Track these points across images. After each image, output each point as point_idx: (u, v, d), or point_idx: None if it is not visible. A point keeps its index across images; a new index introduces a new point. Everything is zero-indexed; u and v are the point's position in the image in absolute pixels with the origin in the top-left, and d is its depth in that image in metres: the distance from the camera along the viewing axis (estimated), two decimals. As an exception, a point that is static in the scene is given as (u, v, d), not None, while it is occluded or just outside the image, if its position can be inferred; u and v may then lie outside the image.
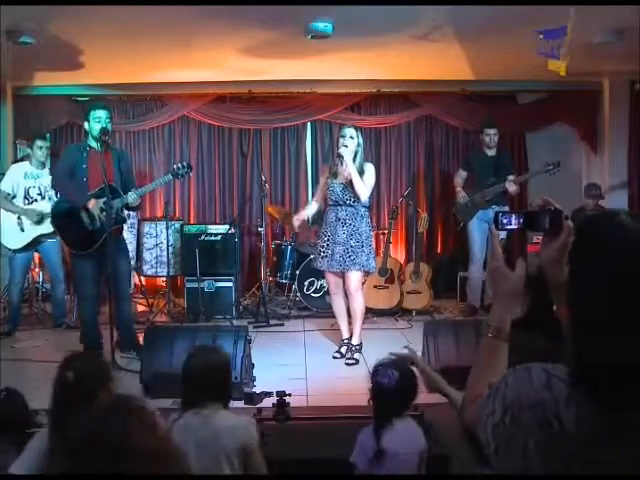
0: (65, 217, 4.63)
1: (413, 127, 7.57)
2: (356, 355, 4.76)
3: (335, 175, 4.83)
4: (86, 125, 4.62)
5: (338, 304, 4.92)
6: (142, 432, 1.07)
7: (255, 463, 2.25)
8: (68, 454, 1.06)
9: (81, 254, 4.59)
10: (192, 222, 7.28)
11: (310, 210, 5.14)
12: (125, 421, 1.08)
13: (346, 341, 4.88)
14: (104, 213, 4.43)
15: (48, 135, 5.99)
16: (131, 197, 4.56)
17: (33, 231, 5.65)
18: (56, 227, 4.75)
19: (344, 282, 4.84)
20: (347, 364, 4.69)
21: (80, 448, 1.04)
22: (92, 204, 4.46)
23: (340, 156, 4.68)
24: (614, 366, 0.98)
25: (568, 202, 1.51)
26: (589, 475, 0.99)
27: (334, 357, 4.81)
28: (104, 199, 4.41)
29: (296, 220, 5.03)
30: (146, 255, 6.78)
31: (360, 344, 4.83)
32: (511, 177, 6.08)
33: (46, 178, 5.65)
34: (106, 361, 2.21)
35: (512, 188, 5.98)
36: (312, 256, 5.51)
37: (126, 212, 4.98)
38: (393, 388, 2.36)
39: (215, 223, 6.92)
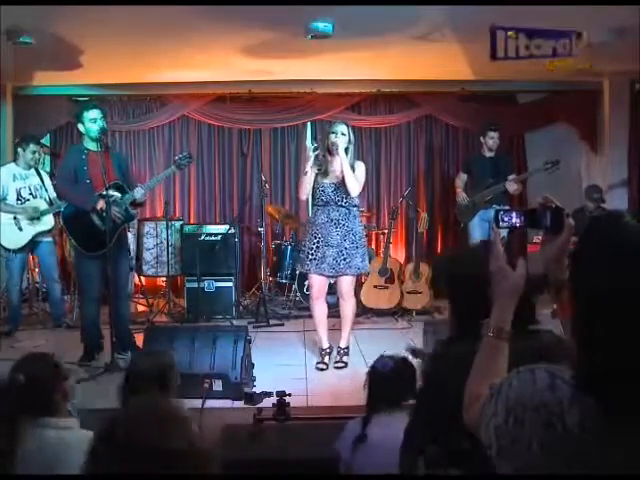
0: (76, 220, 4.64)
1: (413, 127, 7.56)
2: (344, 358, 4.69)
3: (325, 173, 4.61)
4: (80, 127, 4.58)
5: (320, 311, 4.73)
6: (176, 435, 1.07)
7: None
8: (102, 456, 1.06)
9: (90, 255, 4.59)
10: (192, 222, 7.27)
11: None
12: (160, 425, 1.09)
13: (328, 350, 4.75)
14: (116, 209, 4.49)
15: (47, 136, 5.95)
16: (138, 193, 4.60)
17: (31, 230, 5.64)
18: (68, 231, 4.74)
19: (336, 286, 4.75)
20: (336, 367, 4.64)
21: (113, 450, 1.05)
22: (101, 204, 4.46)
23: (334, 145, 4.47)
24: (618, 368, 0.97)
25: (568, 202, 1.50)
26: (591, 475, 0.99)
27: (319, 369, 4.63)
28: (112, 197, 4.45)
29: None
30: (146, 255, 6.77)
31: (348, 347, 4.76)
32: (511, 177, 6.08)
33: (34, 178, 5.73)
34: (59, 361, 2.16)
35: (512, 187, 5.97)
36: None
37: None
38: (386, 375, 2.43)
39: (215, 223, 6.92)
